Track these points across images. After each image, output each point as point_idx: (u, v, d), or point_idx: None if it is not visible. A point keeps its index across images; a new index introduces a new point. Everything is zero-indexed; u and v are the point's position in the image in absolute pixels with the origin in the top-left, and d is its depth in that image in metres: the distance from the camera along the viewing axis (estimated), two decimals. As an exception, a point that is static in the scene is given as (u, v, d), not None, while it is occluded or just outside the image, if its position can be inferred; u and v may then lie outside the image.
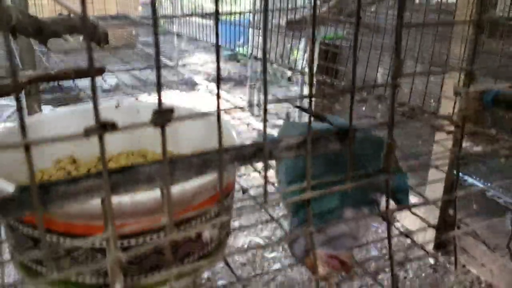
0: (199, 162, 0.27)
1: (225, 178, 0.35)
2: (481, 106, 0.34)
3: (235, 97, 0.82)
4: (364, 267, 0.39)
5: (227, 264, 0.40)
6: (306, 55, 1.50)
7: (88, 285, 0.32)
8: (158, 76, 0.24)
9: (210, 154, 0.27)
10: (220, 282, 1.73)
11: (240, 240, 1.92)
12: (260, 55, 1.27)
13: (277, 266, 1.79)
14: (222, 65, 1.28)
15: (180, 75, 1.14)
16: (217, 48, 0.24)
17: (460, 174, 1.54)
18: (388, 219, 0.34)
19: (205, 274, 1.73)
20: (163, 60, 1.31)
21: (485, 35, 0.90)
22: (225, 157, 0.27)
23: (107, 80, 1.00)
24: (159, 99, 0.24)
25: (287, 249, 1.81)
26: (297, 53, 1.53)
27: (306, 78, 1.13)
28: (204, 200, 0.33)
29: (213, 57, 1.34)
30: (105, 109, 0.45)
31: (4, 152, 0.37)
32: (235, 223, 2.06)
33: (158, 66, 0.23)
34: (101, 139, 0.23)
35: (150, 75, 1.11)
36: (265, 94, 0.27)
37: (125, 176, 0.25)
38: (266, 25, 0.25)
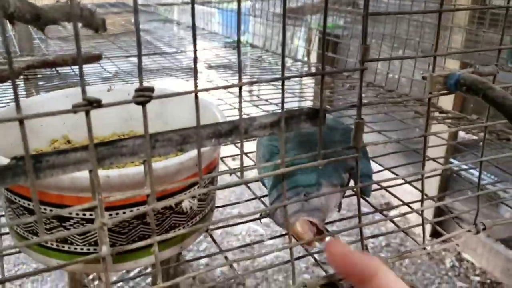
0: (179, 138, 0.29)
1: (208, 155, 0.37)
2: (445, 89, 0.37)
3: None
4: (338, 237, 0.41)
5: (211, 236, 0.43)
6: (305, 44, 1.52)
7: (80, 253, 0.35)
8: (139, 56, 0.26)
9: (188, 131, 0.29)
10: (218, 269, 1.77)
11: (239, 227, 1.95)
12: (257, 42, 1.29)
13: (275, 253, 1.83)
14: (221, 52, 1.30)
15: (178, 62, 1.16)
16: (193, 28, 0.26)
17: (456, 162, 1.56)
18: (357, 193, 0.37)
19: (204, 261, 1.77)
20: (162, 47, 1.33)
21: (484, 26, 0.92)
22: (202, 134, 0.30)
23: (106, 68, 1.03)
24: (140, 79, 0.27)
25: (286, 238, 1.84)
26: (297, 41, 1.54)
27: (305, 67, 1.15)
28: (188, 176, 0.35)
29: (212, 45, 1.35)
30: (97, 92, 0.48)
31: (3, 135, 0.40)
32: (234, 211, 2.09)
33: (139, 45, 0.26)
34: (87, 114, 0.25)
35: (150, 63, 1.13)
36: (240, 71, 0.29)
37: (110, 149, 0.27)
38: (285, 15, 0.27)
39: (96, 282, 1.38)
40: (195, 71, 0.28)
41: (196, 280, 1.66)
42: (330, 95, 0.77)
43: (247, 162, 0.55)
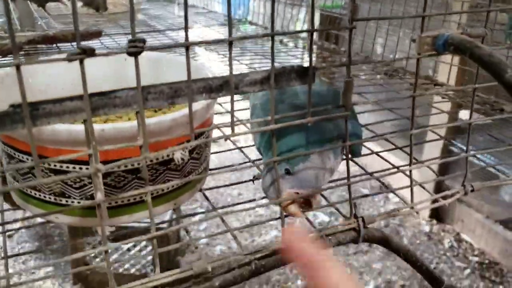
0: (170, 91, 0.30)
1: (201, 114, 0.38)
2: (434, 51, 0.37)
3: (239, 64, 0.85)
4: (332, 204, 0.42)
5: (204, 195, 0.44)
6: (307, 24, 1.52)
7: (77, 207, 0.36)
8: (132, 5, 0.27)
9: (180, 84, 0.30)
10: (218, 248, 1.79)
11: (239, 206, 1.98)
12: (256, 20, 1.29)
13: (274, 233, 1.85)
14: (221, 30, 1.30)
15: (181, 39, 1.16)
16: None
17: (457, 143, 1.57)
18: (347, 151, 0.38)
19: (203, 237, 1.80)
20: (162, 28, 1.33)
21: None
22: (193, 87, 0.31)
23: (107, 44, 1.03)
24: (133, 31, 0.28)
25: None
26: (297, 22, 1.54)
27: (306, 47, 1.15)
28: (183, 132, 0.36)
29: (213, 26, 1.35)
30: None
31: (6, 95, 0.41)
32: (234, 192, 2.11)
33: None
34: (81, 62, 0.26)
35: (152, 41, 1.13)
36: (230, 26, 0.30)
37: (104, 99, 0.28)
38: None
39: (97, 259, 1.41)
40: (185, 20, 0.29)
41: (198, 253, 1.68)
42: (337, 64, 0.77)
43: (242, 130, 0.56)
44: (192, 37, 1.20)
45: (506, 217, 1.72)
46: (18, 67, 0.25)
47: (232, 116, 0.33)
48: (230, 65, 0.31)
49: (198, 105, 0.37)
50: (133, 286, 0.31)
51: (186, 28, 0.29)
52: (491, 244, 1.72)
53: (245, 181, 0.48)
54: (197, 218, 1.90)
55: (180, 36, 1.23)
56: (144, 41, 0.28)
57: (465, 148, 0.42)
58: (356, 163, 0.47)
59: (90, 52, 0.26)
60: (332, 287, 0.26)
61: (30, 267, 1.64)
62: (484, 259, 1.70)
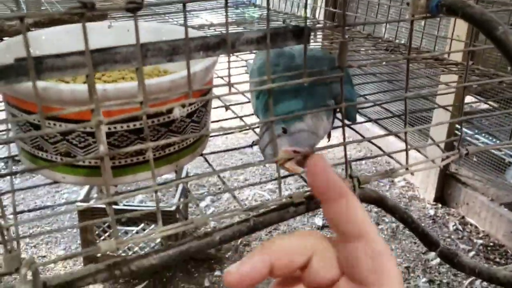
0: (168, 48, 0.31)
1: (200, 78, 0.39)
2: (428, 13, 0.38)
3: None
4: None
5: (205, 159, 0.45)
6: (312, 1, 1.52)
7: (82, 167, 0.38)
8: (129, -34, 0.28)
9: (178, 42, 0.31)
10: (223, 208, 1.82)
11: (245, 192, 1.99)
12: (259, 2, 1.29)
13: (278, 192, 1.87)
14: (222, 11, 1.30)
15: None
16: None
17: (463, 129, 1.57)
18: (342, 113, 0.39)
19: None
20: (169, 19, 1.34)
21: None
22: (191, 45, 0.32)
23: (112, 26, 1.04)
24: (131, -13, 0.29)
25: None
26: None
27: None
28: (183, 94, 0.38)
29: (212, 4, 1.35)
30: (98, 28, 0.50)
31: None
32: (240, 177, 2.13)
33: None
34: (82, 16, 0.28)
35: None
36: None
37: (105, 55, 0.30)
38: None
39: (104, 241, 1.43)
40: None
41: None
42: (329, 45, 0.78)
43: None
44: (198, 19, 1.21)
45: (511, 200, 1.72)
46: (22, 20, 0.26)
47: (229, 73, 0.34)
48: (226, 23, 0.32)
49: (197, 67, 0.38)
50: (136, 238, 0.33)
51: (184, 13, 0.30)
52: (495, 226, 1.73)
53: (244, 147, 0.49)
54: (203, 204, 1.93)
55: (181, 18, 1.24)
56: (142, -2, 0.29)
57: (470, 132, 0.43)
58: (353, 129, 0.48)
59: (90, 6, 0.27)
60: (353, 213, 0.26)
61: (42, 252, 1.67)
62: (488, 242, 1.71)
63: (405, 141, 0.42)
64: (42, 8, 1.30)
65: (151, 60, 0.31)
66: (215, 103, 0.52)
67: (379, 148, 0.46)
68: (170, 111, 0.37)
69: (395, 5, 0.82)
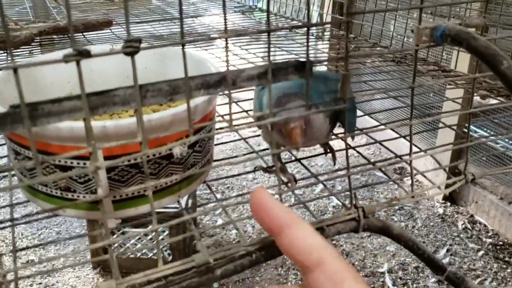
0: (168, 88, 0.31)
1: (202, 108, 0.39)
2: (432, 42, 0.37)
3: (247, 53, 0.84)
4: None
5: (208, 186, 0.45)
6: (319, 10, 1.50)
7: (83, 201, 0.37)
8: (126, 6, 0.27)
9: (178, 81, 0.31)
10: (234, 231, 1.81)
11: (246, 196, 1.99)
12: (271, 8, 1.28)
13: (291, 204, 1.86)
14: (230, 17, 1.30)
15: (191, 29, 1.16)
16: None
17: (472, 127, 1.55)
18: (346, 142, 0.38)
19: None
20: (177, 15, 1.33)
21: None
22: (191, 84, 0.31)
23: (117, 34, 1.04)
24: (128, 30, 0.28)
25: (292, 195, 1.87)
26: (312, 8, 1.53)
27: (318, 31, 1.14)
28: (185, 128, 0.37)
29: (229, 14, 1.34)
30: (99, 50, 0.49)
31: (9, 93, 0.42)
32: (249, 175, 2.12)
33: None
34: (78, 64, 0.27)
35: (163, 29, 1.13)
36: (225, 24, 0.30)
37: (102, 98, 0.29)
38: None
39: (115, 245, 1.44)
40: (181, 21, 0.29)
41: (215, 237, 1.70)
42: (334, 56, 0.77)
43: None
44: (204, 26, 1.20)
45: (521, 199, 1.71)
46: (15, 70, 0.26)
47: (230, 108, 0.34)
48: (227, 61, 0.32)
49: (199, 99, 0.38)
50: (136, 278, 0.33)
51: (181, 26, 0.30)
52: (505, 225, 1.71)
53: (247, 172, 0.49)
54: (212, 204, 1.93)
55: (196, 23, 1.23)
56: (140, 40, 0.28)
57: (479, 131, 0.42)
58: (358, 152, 0.48)
59: (86, 53, 0.27)
60: (301, 243, 0.25)
61: (51, 253, 1.69)
62: (498, 241, 1.69)
63: (410, 168, 0.42)
64: (50, 11, 1.30)
65: (151, 100, 0.30)
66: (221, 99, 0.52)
67: (385, 174, 0.45)
68: (170, 150, 0.36)
69: (403, 14, 0.81)
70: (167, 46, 0.32)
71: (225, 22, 0.31)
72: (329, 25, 1.00)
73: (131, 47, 0.28)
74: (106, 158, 0.35)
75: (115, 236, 1.33)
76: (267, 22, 0.32)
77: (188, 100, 0.31)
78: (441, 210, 1.87)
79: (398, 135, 0.51)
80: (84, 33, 0.99)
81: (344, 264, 0.25)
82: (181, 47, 0.31)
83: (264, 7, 1.30)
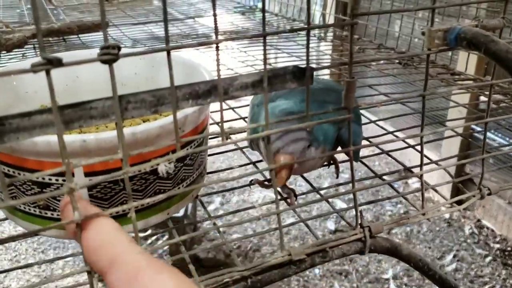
0: (153, 99, 0.28)
1: (193, 119, 0.36)
2: (445, 45, 0.34)
3: (248, 55, 0.81)
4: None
5: (200, 201, 0.42)
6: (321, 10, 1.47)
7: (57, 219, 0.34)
8: (102, 12, 0.24)
9: (163, 91, 0.28)
10: (235, 236, 1.78)
11: (255, 195, 1.96)
12: (272, 8, 1.25)
13: (291, 220, 1.83)
14: (229, 18, 1.27)
15: (192, 30, 1.13)
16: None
17: (478, 128, 1.51)
18: (350, 156, 0.35)
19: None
20: (179, 16, 1.30)
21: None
22: (178, 94, 0.28)
23: (113, 36, 1.01)
24: (105, 36, 0.25)
25: (284, 220, 1.84)
26: (314, 6, 1.50)
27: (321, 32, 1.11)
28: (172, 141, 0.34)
29: (222, 11, 1.32)
30: (87, 55, 0.46)
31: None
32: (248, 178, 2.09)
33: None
34: (48, 74, 0.24)
35: (162, 31, 1.10)
36: (216, 29, 0.27)
37: (78, 111, 0.26)
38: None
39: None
40: (165, 25, 0.26)
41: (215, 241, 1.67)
42: (338, 58, 0.74)
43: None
44: (203, 26, 1.17)
45: (529, 203, 1.67)
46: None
47: (222, 120, 0.30)
48: (218, 69, 0.28)
49: (190, 110, 0.35)
50: None
51: (166, 31, 0.26)
52: (513, 230, 1.67)
53: (243, 186, 0.46)
54: (212, 207, 1.89)
55: (197, 23, 1.20)
56: (119, 47, 0.25)
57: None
58: (364, 164, 0.44)
59: (56, 63, 0.24)
60: (92, 242, 0.23)
61: (50, 257, 1.66)
62: (506, 246, 1.65)
63: (421, 182, 0.38)
64: (48, 14, 1.27)
65: (133, 113, 0.27)
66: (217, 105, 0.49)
67: (394, 189, 0.42)
68: (155, 167, 0.33)
69: (409, 14, 0.78)
70: (153, 53, 0.29)
71: (216, 27, 0.28)
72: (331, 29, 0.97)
73: (109, 54, 0.25)
74: (87, 174, 0.32)
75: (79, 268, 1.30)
76: (263, 25, 0.29)
77: (174, 112, 0.28)
78: (447, 215, 1.83)
79: (406, 145, 0.48)
80: (80, 35, 0.96)
81: (141, 256, 0.22)
82: (166, 53, 0.27)
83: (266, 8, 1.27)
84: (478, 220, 1.79)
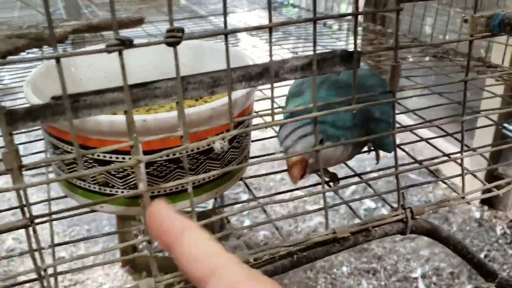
0: (210, 80, 0.30)
1: (241, 103, 0.38)
2: (488, 32, 0.35)
3: (281, 49, 0.83)
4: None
5: (245, 184, 0.43)
6: (351, 6, 1.48)
7: (121, 197, 0.36)
8: (169, -2, 0.26)
9: (219, 73, 0.30)
10: (261, 232, 1.80)
11: (280, 195, 1.97)
12: (298, 2, 1.26)
13: (318, 219, 1.83)
14: (261, 13, 1.28)
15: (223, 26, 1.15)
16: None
17: (507, 125, 1.49)
18: (394, 139, 0.36)
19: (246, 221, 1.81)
20: (204, 13, 1.33)
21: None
22: (233, 76, 0.30)
23: (149, 31, 1.04)
24: (171, 20, 0.27)
25: (329, 202, 1.84)
26: (342, 4, 1.51)
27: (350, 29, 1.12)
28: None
29: (254, 11, 1.34)
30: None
31: (48, 87, 0.42)
32: (277, 176, 2.10)
33: (168, -12, 0.26)
34: (120, 54, 0.26)
35: (194, 27, 1.13)
36: (270, 11, 0.29)
37: (144, 90, 0.28)
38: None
39: (144, 243, 1.44)
40: (224, 7, 0.28)
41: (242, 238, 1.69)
42: (372, 51, 0.75)
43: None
44: (234, 22, 1.19)
45: None
46: (58, 60, 0.25)
47: (272, 103, 0.32)
48: (270, 52, 0.30)
49: (238, 93, 0.37)
50: (175, 276, 0.32)
51: (225, 15, 0.28)
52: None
53: (283, 171, 0.47)
54: (239, 205, 1.91)
55: (222, 21, 1.23)
56: (182, 30, 0.27)
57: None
58: (403, 150, 0.46)
59: (128, 43, 0.26)
60: (192, 250, 0.22)
61: (81, 249, 1.71)
62: (538, 247, 1.63)
63: (461, 167, 0.39)
64: (81, 10, 1.32)
65: (192, 93, 0.29)
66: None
67: (433, 173, 0.43)
68: (210, 144, 0.35)
69: (443, 9, 0.78)
70: (209, 37, 0.31)
71: (270, 12, 0.29)
72: (362, 20, 0.98)
73: (174, 37, 0.27)
74: (145, 152, 0.35)
75: (140, 240, 1.34)
76: (313, 9, 0.30)
77: (229, 92, 0.30)
78: (477, 214, 1.81)
79: (444, 133, 0.49)
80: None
81: (241, 269, 0.21)
82: (212, 44, 0.29)
83: (296, 2, 1.28)
84: (510, 221, 1.77)
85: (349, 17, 1.07)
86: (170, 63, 0.50)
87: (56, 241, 0.36)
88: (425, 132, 0.52)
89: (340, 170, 0.46)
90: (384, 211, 1.70)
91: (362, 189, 1.83)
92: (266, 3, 1.35)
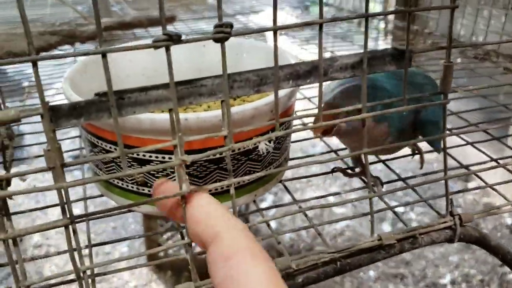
0: (256, 78, 0.28)
1: (283, 103, 0.36)
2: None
3: (308, 50, 0.81)
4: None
5: (284, 186, 0.42)
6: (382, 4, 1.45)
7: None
8: (218, -8, 0.25)
9: (266, 71, 0.29)
10: (287, 235, 1.78)
11: (307, 194, 1.95)
12: (332, 1, 1.24)
13: (345, 223, 1.80)
14: (293, 13, 1.27)
15: (252, 24, 1.15)
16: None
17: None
18: (444, 143, 0.34)
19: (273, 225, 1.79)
20: (231, 12, 1.32)
21: None
22: (280, 74, 0.29)
23: (180, 29, 1.04)
24: (219, 14, 0.26)
25: (356, 205, 1.82)
26: (372, 3, 1.48)
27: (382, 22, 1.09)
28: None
29: (281, 6, 1.32)
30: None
31: (88, 83, 0.41)
32: (303, 179, 2.08)
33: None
34: (167, 49, 0.25)
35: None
36: (321, 9, 0.28)
37: (190, 88, 0.27)
38: None
39: (169, 241, 1.44)
40: (275, 4, 0.27)
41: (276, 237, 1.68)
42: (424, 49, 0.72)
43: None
44: (264, 22, 1.18)
45: None
46: (104, 55, 0.24)
47: (320, 102, 0.31)
48: (320, 49, 0.29)
49: (280, 92, 0.35)
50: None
51: (275, 12, 0.27)
52: None
53: (324, 173, 0.46)
54: (264, 204, 1.90)
55: (250, 20, 1.22)
56: (231, 25, 0.26)
57: None
58: (449, 154, 0.44)
59: (176, 39, 0.25)
60: (200, 212, 0.24)
61: (106, 247, 1.72)
62: None
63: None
64: (110, 7, 1.33)
65: (238, 91, 0.28)
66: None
67: (481, 179, 0.41)
68: (256, 146, 0.34)
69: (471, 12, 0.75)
70: (256, 33, 0.30)
71: (321, 6, 0.28)
72: (392, 19, 0.96)
73: (222, 33, 0.26)
74: (185, 152, 0.34)
75: (180, 243, 1.34)
76: (366, 7, 0.29)
77: (276, 91, 0.29)
78: (509, 221, 1.75)
79: (491, 137, 0.47)
80: (148, 29, 1.00)
81: (241, 236, 0.22)
82: (251, 41, 0.28)
83: (331, 2, 1.26)
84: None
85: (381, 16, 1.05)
86: (205, 60, 0.49)
87: (82, 239, 0.35)
88: (463, 136, 0.50)
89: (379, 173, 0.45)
90: (413, 215, 1.67)
91: (392, 193, 1.80)
92: (296, 1, 1.34)
